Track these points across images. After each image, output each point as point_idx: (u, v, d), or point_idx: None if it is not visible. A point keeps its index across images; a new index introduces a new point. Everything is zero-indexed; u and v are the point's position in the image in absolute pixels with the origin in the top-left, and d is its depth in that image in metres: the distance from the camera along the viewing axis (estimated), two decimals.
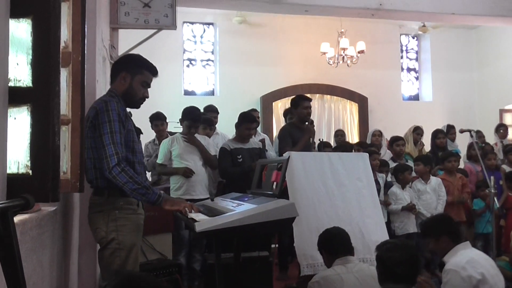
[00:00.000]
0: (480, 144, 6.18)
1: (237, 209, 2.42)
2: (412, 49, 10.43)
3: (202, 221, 2.25)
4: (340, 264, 2.90)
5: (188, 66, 9.21)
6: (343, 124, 9.32)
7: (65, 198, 2.48)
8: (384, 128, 6.65)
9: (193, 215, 2.43)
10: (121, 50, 5.13)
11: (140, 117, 4.45)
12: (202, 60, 9.30)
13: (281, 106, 8.92)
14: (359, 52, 8.43)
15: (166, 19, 4.84)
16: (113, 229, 2.42)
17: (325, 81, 9.15)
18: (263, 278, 3.76)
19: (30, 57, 1.68)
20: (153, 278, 1.47)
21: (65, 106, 2.15)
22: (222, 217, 2.28)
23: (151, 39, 5.14)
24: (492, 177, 4.26)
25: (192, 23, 9.21)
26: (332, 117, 9.39)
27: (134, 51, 4.63)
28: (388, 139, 6.06)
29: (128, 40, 5.28)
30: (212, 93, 9.18)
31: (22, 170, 1.67)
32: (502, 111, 8.90)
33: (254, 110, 6.14)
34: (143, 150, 4.68)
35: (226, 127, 5.93)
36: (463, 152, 6.41)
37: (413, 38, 10.42)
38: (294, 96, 5.21)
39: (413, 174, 5.23)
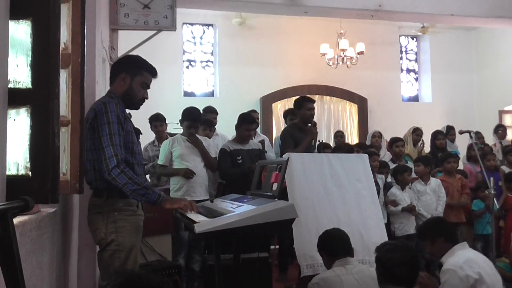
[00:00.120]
0: (480, 145, 6.18)
1: (237, 210, 2.41)
2: (412, 50, 10.45)
3: (202, 222, 2.24)
4: (339, 265, 2.90)
5: (187, 67, 9.21)
6: (343, 125, 9.33)
7: (64, 200, 2.48)
8: (384, 129, 6.65)
9: (192, 216, 2.43)
10: (121, 51, 5.13)
11: (139, 118, 4.46)
12: (201, 61, 9.31)
13: (280, 107, 8.92)
14: (358, 53, 8.44)
15: (165, 20, 4.84)
16: (112, 230, 2.42)
17: (325, 82, 9.16)
18: (262, 279, 3.76)
19: (30, 58, 1.68)
20: (153, 276, 1.48)
21: (64, 108, 2.15)
22: (222, 218, 2.28)
23: (150, 40, 5.14)
24: (491, 178, 4.27)
25: (191, 24, 9.22)
26: (332, 118, 9.39)
27: (133, 52, 4.63)
28: (388, 140, 6.06)
29: (128, 41, 5.28)
30: (211, 94, 9.19)
31: (21, 172, 1.67)
32: (501, 112, 8.92)
33: (253, 111, 6.14)
34: (142, 151, 4.68)
35: (225, 128, 5.93)
36: (462, 153, 6.41)
37: (413, 39, 10.44)
38: (298, 97, 5.18)
39: (413, 175, 5.23)
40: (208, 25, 9.29)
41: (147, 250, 3.93)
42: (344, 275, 2.83)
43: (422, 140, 6.14)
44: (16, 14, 1.66)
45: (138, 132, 4.50)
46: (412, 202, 4.95)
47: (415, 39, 10.44)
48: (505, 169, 5.85)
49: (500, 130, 6.97)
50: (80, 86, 2.19)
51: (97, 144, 2.42)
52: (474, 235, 5.36)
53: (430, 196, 5.05)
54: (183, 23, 8.95)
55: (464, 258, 2.78)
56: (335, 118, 9.42)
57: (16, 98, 1.65)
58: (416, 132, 6.11)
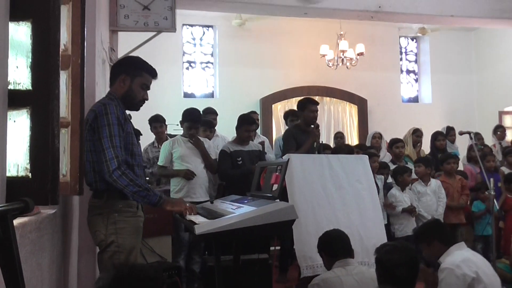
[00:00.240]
0: (479, 146, 6.19)
1: (237, 211, 2.42)
2: (412, 51, 10.45)
3: (202, 224, 2.25)
4: (339, 266, 2.90)
5: (187, 68, 9.22)
6: (343, 126, 9.33)
7: (64, 201, 2.48)
8: (384, 130, 6.66)
9: (192, 217, 2.43)
10: (121, 53, 5.13)
11: (139, 119, 4.46)
12: (201, 63, 9.31)
13: (280, 108, 8.93)
14: (358, 54, 8.44)
15: (165, 21, 4.84)
16: (112, 232, 2.42)
17: (325, 83, 9.16)
18: (262, 281, 3.76)
19: (30, 60, 1.68)
20: (147, 267, 1.51)
21: (64, 109, 2.15)
22: (222, 220, 2.28)
23: (150, 41, 5.15)
24: (491, 179, 4.27)
25: (191, 25, 9.23)
26: (332, 119, 9.39)
27: (133, 54, 4.64)
28: (388, 141, 6.06)
29: (128, 43, 5.28)
30: (211, 95, 9.19)
31: (21, 173, 1.67)
32: (501, 113, 8.92)
33: (253, 112, 6.15)
34: (142, 153, 4.68)
35: (225, 129, 5.93)
36: (462, 154, 6.42)
37: (412, 40, 10.44)
38: (301, 98, 5.17)
39: (413, 176, 5.23)
40: (208, 26, 9.29)
41: (147, 251, 3.93)
42: (344, 276, 2.83)
43: (421, 142, 6.15)
44: (16, 15, 1.66)
45: (138, 133, 4.50)
46: (412, 203, 4.96)
47: (415, 40, 10.44)
48: (505, 170, 5.86)
49: (499, 131, 6.97)
50: (80, 88, 2.19)
51: (97, 146, 2.42)
52: (474, 236, 5.36)
53: (430, 197, 5.06)
54: (183, 25, 8.96)
55: (461, 258, 2.80)
56: (335, 119, 9.42)
57: (16, 99, 1.65)
58: (416, 133, 6.11)
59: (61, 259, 2.44)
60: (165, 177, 4.81)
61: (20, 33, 1.68)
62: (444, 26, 9.51)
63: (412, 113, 9.44)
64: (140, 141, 4.47)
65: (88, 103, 2.55)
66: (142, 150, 4.71)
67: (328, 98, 9.37)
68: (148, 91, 2.66)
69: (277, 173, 2.77)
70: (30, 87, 1.67)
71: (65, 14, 2.11)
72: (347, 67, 8.50)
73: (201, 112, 5.04)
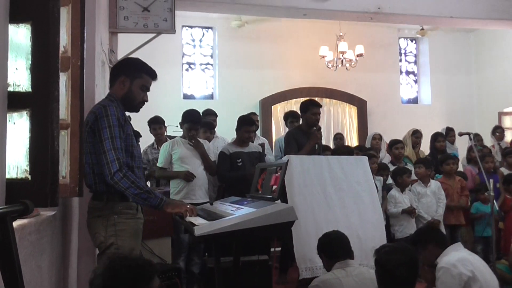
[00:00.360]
0: (479, 147, 6.19)
1: (236, 213, 2.41)
2: (411, 52, 10.46)
3: (201, 225, 2.25)
4: (339, 267, 2.90)
5: (187, 70, 9.22)
6: (342, 128, 9.33)
7: (64, 203, 2.48)
8: (383, 131, 6.65)
9: (192, 219, 2.43)
10: (120, 54, 5.13)
11: (138, 121, 4.45)
12: (201, 64, 9.31)
13: (280, 109, 8.93)
14: (358, 56, 8.45)
15: (165, 23, 4.84)
16: (112, 233, 2.42)
17: (324, 84, 9.17)
18: (262, 282, 3.76)
19: (29, 62, 1.68)
20: (138, 257, 1.55)
21: (64, 111, 2.15)
22: (221, 221, 2.28)
23: (150, 43, 5.15)
24: (491, 180, 4.27)
25: (191, 27, 9.23)
26: (331, 120, 9.39)
27: (133, 55, 4.63)
28: (387, 142, 6.06)
29: (127, 44, 5.28)
30: (211, 96, 9.19)
31: (21, 175, 1.67)
32: (501, 114, 8.91)
33: (253, 113, 6.15)
34: (142, 155, 4.68)
35: (225, 130, 5.93)
36: (462, 155, 6.41)
37: (412, 41, 10.45)
38: (304, 100, 5.15)
39: (413, 177, 5.23)
40: (208, 27, 9.30)
41: (147, 253, 3.92)
42: (344, 277, 2.83)
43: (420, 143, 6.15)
44: (15, 17, 1.66)
45: (137, 135, 4.50)
46: (412, 204, 4.95)
47: (414, 41, 10.45)
48: (504, 171, 5.86)
49: (497, 131, 6.98)
50: (80, 89, 2.20)
51: (97, 148, 2.41)
52: (474, 237, 5.35)
53: (430, 198, 5.05)
54: (183, 26, 8.97)
55: (457, 257, 2.82)
56: (334, 121, 9.42)
57: (16, 101, 1.65)
58: (416, 134, 6.11)
59: (61, 261, 2.44)
60: (165, 179, 4.80)
61: (20, 35, 1.68)
62: (443, 27, 9.52)
63: (411, 114, 9.45)
64: (139, 143, 4.47)
65: (88, 105, 2.55)
66: (141, 151, 4.70)
67: (327, 99, 9.38)
68: (147, 93, 2.66)
69: (276, 175, 2.77)
70: (29, 89, 1.68)
71: (65, 16, 2.11)
72: (346, 68, 8.50)
73: (201, 114, 5.04)
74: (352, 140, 9.31)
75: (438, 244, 2.96)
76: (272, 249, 4.41)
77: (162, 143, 5.00)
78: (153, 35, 5.04)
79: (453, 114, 9.66)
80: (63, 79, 2.12)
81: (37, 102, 1.67)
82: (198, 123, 4.61)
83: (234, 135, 4.93)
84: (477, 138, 6.58)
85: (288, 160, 3.38)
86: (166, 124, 5.59)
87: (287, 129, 5.97)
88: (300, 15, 7.01)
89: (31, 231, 1.67)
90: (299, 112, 5.10)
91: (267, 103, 8.92)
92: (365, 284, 2.79)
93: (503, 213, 5.30)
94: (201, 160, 4.52)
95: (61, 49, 2.00)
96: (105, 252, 2.44)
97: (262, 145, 5.16)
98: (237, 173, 4.53)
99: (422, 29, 9.71)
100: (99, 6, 3.56)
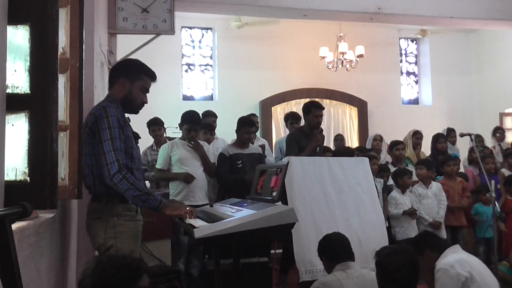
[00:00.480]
0: (480, 148, 6.18)
1: (236, 215, 2.41)
2: (412, 52, 10.46)
3: (201, 227, 2.24)
4: (340, 269, 2.89)
5: (186, 71, 9.22)
6: (343, 129, 9.33)
7: (63, 205, 2.47)
8: (384, 132, 6.65)
9: (191, 221, 2.42)
10: (119, 56, 5.12)
11: (138, 122, 4.44)
12: (200, 65, 9.31)
13: (280, 110, 8.93)
14: (358, 56, 8.44)
15: (164, 24, 4.84)
16: (111, 235, 2.41)
17: (324, 85, 9.16)
18: (262, 284, 3.75)
19: (28, 63, 1.67)
20: (128, 256, 1.58)
21: (63, 112, 2.15)
22: (221, 223, 2.27)
23: (149, 44, 5.15)
24: (492, 181, 4.26)
25: (190, 28, 9.23)
26: (332, 121, 9.39)
27: (132, 56, 4.63)
28: (388, 143, 6.06)
29: (126, 45, 5.27)
30: (211, 98, 9.19)
31: (20, 177, 1.66)
32: (502, 115, 8.90)
33: (253, 115, 6.14)
34: (141, 156, 4.66)
35: (225, 132, 5.93)
36: (463, 156, 6.40)
37: (412, 41, 10.45)
38: (307, 101, 5.11)
39: (414, 178, 5.22)
40: (207, 28, 9.30)
41: (147, 255, 3.91)
42: (344, 279, 2.82)
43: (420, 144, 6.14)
44: (14, 19, 1.65)
45: (136, 137, 4.49)
46: (413, 206, 4.94)
47: (414, 41, 10.45)
48: (505, 172, 5.84)
49: (498, 132, 6.96)
50: (79, 91, 2.19)
51: (96, 149, 2.40)
52: (476, 238, 5.34)
53: (431, 200, 5.03)
54: (182, 27, 8.97)
55: (455, 258, 2.84)
56: (335, 122, 9.42)
57: (14, 103, 1.64)
58: (416, 135, 6.10)
59: (60, 263, 2.42)
60: (164, 181, 4.79)
61: (18, 37, 1.68)
62: (444, 28, 9.52)
63: (412, 115, 9.44)
64: (138, 144, 4.46)
65: (87, 106, 2.54)
66: (141, 153, 4.69)
67: (328, 100, 9.37)
68: (147, 94, 2.65)
69: (277, 176, 2.76)
70: (28, 91, 1.67)
71: (64, 17, 2.11)
72: (347, 69, 8.50)
73: (201, 115, 5.03)
74: (352, 141, 9.30)
75: (435, 249, 2.97)
76: (272, 251, 4.40)
77: (161, 144, 4.99)
78: (152, 36, 5.04)
79: (453, 114, 9.66)
80: (62, 81, 2.11)
81: (36, 103, 1.67)
82: (198, 124, 4.59)
83: (234, 136, 4.91)
84: (478, 139, 6.57)
85: (288, 161, 3.37)
86: (165, 126, 5.58)
87: (287, 130, 5.96)
88: (300, 15, 7.01)
89: (30, 233, 1.66)
90: (299, 113, 5.07)
91: (267, 104, 8.91)
92: (366, 286, 2.78)
93: (504, 215, 5.29)
94: (200, 162, 4.51)
95: (60, 50, 1.99)
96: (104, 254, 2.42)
97: (263, 146, 5.14)
98: (236, 176, 4.50)
99: (423, 29, 9.70)
100: (98, 7, 3.56)
